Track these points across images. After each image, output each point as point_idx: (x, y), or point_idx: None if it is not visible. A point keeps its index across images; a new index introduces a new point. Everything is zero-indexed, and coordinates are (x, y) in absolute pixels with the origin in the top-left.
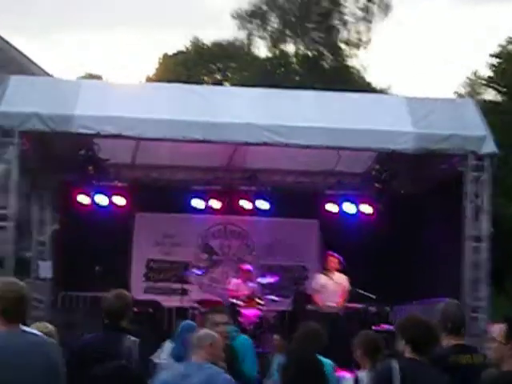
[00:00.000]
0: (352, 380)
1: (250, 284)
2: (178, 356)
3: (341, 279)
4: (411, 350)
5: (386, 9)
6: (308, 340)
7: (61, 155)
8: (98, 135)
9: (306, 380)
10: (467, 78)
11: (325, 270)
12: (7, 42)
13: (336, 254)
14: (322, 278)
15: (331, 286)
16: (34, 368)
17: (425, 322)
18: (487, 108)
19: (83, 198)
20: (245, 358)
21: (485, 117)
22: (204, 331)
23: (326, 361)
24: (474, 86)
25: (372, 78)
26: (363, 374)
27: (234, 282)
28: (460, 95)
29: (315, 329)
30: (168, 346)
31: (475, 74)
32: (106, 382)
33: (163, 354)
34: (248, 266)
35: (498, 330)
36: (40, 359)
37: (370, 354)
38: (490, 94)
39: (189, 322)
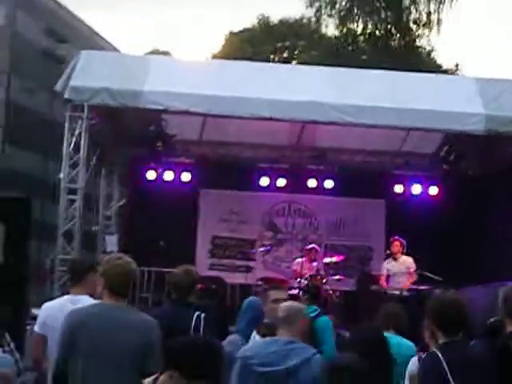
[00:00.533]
0: (416, 361)
1: (314, 263)
2: (246, 333)
3: (407, 262)
4: (442, 334)
5: None
6: (388, 320)
7: (130, 130)
8: (166, 111)
9: (367, 357)
10: None
11: (391, 252)
12: (75, 16)
13: (400, 238)
14: (388, 261)
15: (397, 269)
16: (130, 343)
17: (451, 302)
18: None
19: (150, 174)
20: (323, 339)
21: None
22: (292, 304)
23: (405, 342)
24: None
25: (441, 58)
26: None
27: (298, 260)
28: None
29: (395, 309)
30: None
31: None
32: (184, 355)
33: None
34: (313, 245)
35: None
36: (137, 336)
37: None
38: None
39: (254, 298)
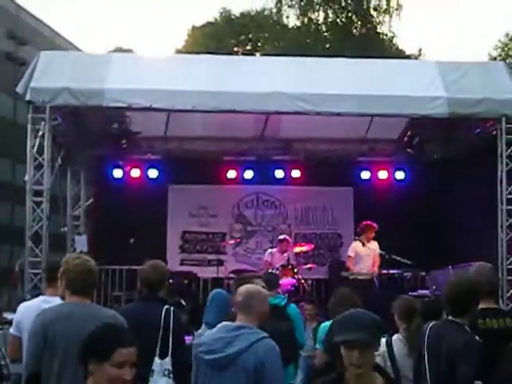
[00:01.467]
0: (385, 342)
1: (285, 253)
2: (211, 324)
3: (374, 246)
4: (450, 311)
5: None
6: (343, 304)
7: (93, 129)
8: (129, 108)
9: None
10: (499, 40)
11: (359, 237)
12: (36, 18)
13: (374, 224)
14: (356, 246)
15: (366, 253)
16: None
17: (464, 283)
18: None
19: (117, 172)
20: (296, 325)
21: None
22: (248, 288)
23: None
24: (506, 48)
25: (403, 44)
26: (395, 336)
27: (269, 251)
28: (493, 58)
29: (348, 293)
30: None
31: (507, 36)
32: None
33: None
34: (284, 236)
35: None
36: None
37: (405, 318)
38: None
39: (219, 289)
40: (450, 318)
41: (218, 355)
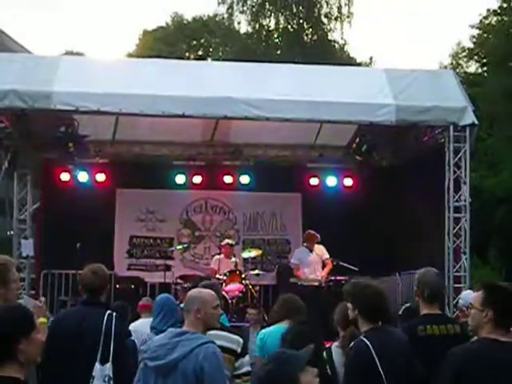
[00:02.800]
0: (325, 351)
1: (233, 259)
2: (157, 329)
3: (320, 251)
4: (363, 318)
5: None
6: (288, 310)
7: (41, 133)
8: (76, 111)
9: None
10: (451, 49)
11: (305, 244)
12: None
13: (313, 231)
14: (302, 252)
15: (312, 259)
16: None
17: (371, 286)
18: (468, 79)
19: (64, 176)
20: None
21: (467, 88)
22: (192, 292)
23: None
24: (456, 57)
25: (354, 51)
26: (334, 344)
27: (216, 257)
28: (444, 67)
29: (293, 299)
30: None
31: (458, 45)
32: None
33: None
34: (227, 241)
35: (475, 296)
36: None
37: (342, 325)
38: (473, 66)
39: (165, 294)
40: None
41: (160, 362)
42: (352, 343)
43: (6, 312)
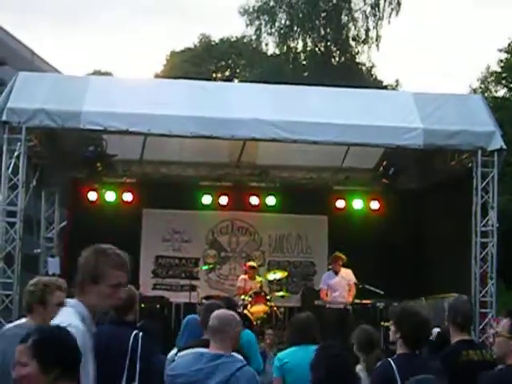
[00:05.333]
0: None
1: (258, 279)
2: (184, 350)
3: (347, 274)
4: (403, 343)
5: (396, 5)
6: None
7: (69, 151)
8: (105, 131)
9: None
10: (480, 73)
11: (332, 267)
12: (16, 39)
13: (341, 254)
14: (328, 276)
15: (338, 282)
16: None
17: (423, 317)
18: (497, 104)
19: (91, 195)
20: (248, 352)
21: (495, 112)
22: (221, 312)
23: None
24: (485, 81)
25: (381, 74)
26: (359, 366)
27: (242, 277)
28: (473, 91)
29: (306, 319)
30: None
31: (487, 69)
32: None
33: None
34: (250, 263)
35: (502, 324)
36: None
37: (363, 349)
38: (502, 90)
39: (194, 315)
40: (402, 351)
41: None
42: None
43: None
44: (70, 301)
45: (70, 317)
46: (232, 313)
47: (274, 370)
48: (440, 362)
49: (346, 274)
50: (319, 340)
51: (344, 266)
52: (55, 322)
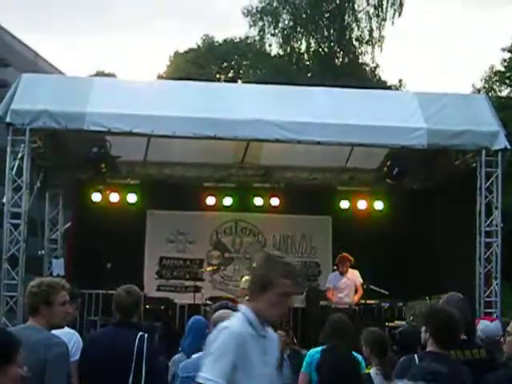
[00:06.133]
0: (365, 375)
1: None
2: (189, 352)
3: (354, 275)
4: (433, 341)
5: (399, 6)
6: (337, 335)
7: (73, 153)
8: (109, 132)
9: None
10: (484, 72)
11: (338, 268)
12: (19, 40)
13: (348, 256)
14: (335, 277)
15: (345, 284)
16: (31, 363)
17: (450, 314)
18: (500, 103)
19: (96, 196)
20: None
21: (499, 112)
22: (222, 312)
23: (359, 357)
24: (489, 81)
25: (384, 74)
26: (373, 370)
27: (245, 278)
28: (477, 90)
29: (344, 322)
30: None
31: (491, 69)
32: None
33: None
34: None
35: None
36: (36, 355)
37: (376, 352)
38: (506, 90)
39: (198, 316)
40: (431, 349)
41: None
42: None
43: None
44: (241, 307)
45: (233, 321)
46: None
47: (304, 366)
48: None
49: (353, 275)
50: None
51: (351, 266)
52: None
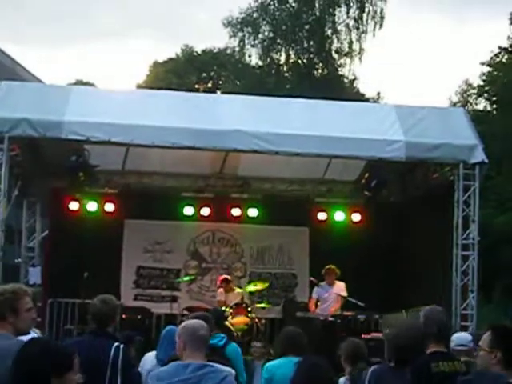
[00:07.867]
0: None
1: (239, 291)
2: (163, 361)
3: (339, 287)
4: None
5: (380, 19)
6: (290, 347)
7: (51, 161)
8: (87, 141)
9: None
10: (459, 86)
11: (325, 280)
12: None
13: (333, 266)
14: (318, 290)
15: (329, 296)
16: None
17: (409, 333)
18: (477, 117)
19: (73, 205)
20: (235, 365)
21: (476, 126)
22: (199, 323)
23: None
24: (465, 95)
25: (363, 86)
26: (342, 380)
27: (220, 291)
28: (453, 103)
29: (295, 332)
30: (150, 355)
31: (466, 82)
32: None
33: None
34: (224, 276)
35: (483, 338)
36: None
37: (350, 360)
38: (482, 103)
39: (172, 326)
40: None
41: None
42: None
43: (42, 348)
44: None
45: None
46: (202, 323)
47: (263, 382)
48: (410, 373)
49: (338, 287)
50: (308, 352)
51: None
52: None
